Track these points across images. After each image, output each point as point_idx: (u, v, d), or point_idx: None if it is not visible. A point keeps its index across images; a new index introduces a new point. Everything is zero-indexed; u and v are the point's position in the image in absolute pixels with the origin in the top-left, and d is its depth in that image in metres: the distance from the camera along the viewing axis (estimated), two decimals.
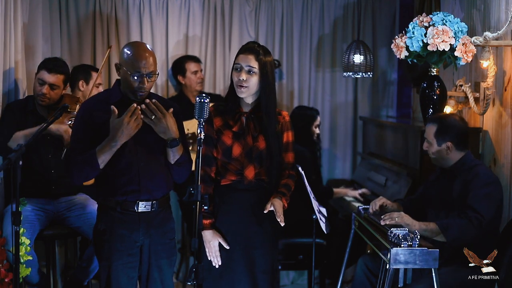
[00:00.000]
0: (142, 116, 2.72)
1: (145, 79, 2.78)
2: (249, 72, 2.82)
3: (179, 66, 4.74)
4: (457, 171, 3.21)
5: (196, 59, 4.76)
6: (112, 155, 2.75)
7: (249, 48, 2.86)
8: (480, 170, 3.15)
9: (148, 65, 2.78)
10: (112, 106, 2.71)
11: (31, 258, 3.38)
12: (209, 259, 2.90)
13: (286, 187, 2.94)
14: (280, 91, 4.96)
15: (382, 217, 3.09)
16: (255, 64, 2.82)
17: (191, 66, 4.69)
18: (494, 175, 3.22)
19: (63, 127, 3.49)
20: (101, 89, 4.09)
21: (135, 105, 2.71)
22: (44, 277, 3.64)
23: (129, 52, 2.80)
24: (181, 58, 4.78)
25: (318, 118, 4.59)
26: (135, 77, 2.78)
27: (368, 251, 3.76)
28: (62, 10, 4.68)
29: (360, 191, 4.48)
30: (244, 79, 2.81)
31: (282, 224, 2.80)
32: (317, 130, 4.57)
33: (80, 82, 4.05)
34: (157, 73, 2.85)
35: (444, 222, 3.03)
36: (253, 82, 2.83)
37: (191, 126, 4.19)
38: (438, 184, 3.31)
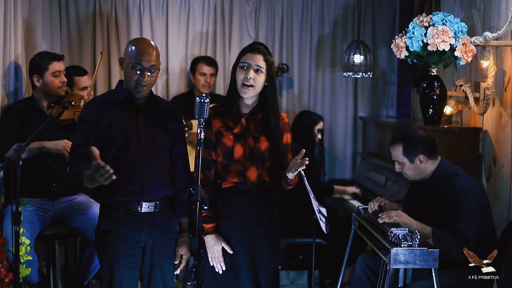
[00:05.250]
0: (113, 176, 2.54)
1: (146, 73, 2.80)
2: (257, 71, 2.81)
3: (192, 64, 4.74)
4: (434, 184, 3.19)
5: (209, 62, 4.69)
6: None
7: (256, 49, 2.85)
8: (456, 184, 3.10)
9: (149, 59, 2.82)
10: (92, 148, 2.54)
11: (31, 258, 3.37)
12: (211, 264, 2.87)
13: None
14: (280, 91, 4.95)
15: (379, 215, 3.09)
16: (263, 64, 2.82)
17: (201, 68, 4.66)
18: (471, 181, 3.16)
19: (60, 143, 3.49)
20: (89, 91, 3.98)
21: (101, 164, 2.51)
22: (44, 277, 3.64)
23: (133, 46, 2.84)
24: (198, 57, 4.76)
25: (321, 123, 4.59)
26: (137, 70, 2.80)
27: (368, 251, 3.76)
28: (62, 9, 4.68)
29: (357, 190, 4.50)
30: (252, 77, 2.80)
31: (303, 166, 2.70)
32: (319, 135, 4.57)
33: None
34: (159, 68, 2.88)
35: (439, 232, 3.03)
36: (260, 81, 2.83)
37: (195, 125, 4.19)
38: (421, 195, 3.31)
